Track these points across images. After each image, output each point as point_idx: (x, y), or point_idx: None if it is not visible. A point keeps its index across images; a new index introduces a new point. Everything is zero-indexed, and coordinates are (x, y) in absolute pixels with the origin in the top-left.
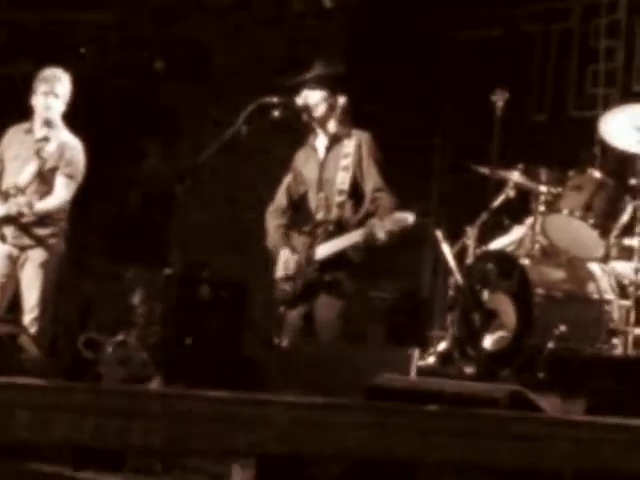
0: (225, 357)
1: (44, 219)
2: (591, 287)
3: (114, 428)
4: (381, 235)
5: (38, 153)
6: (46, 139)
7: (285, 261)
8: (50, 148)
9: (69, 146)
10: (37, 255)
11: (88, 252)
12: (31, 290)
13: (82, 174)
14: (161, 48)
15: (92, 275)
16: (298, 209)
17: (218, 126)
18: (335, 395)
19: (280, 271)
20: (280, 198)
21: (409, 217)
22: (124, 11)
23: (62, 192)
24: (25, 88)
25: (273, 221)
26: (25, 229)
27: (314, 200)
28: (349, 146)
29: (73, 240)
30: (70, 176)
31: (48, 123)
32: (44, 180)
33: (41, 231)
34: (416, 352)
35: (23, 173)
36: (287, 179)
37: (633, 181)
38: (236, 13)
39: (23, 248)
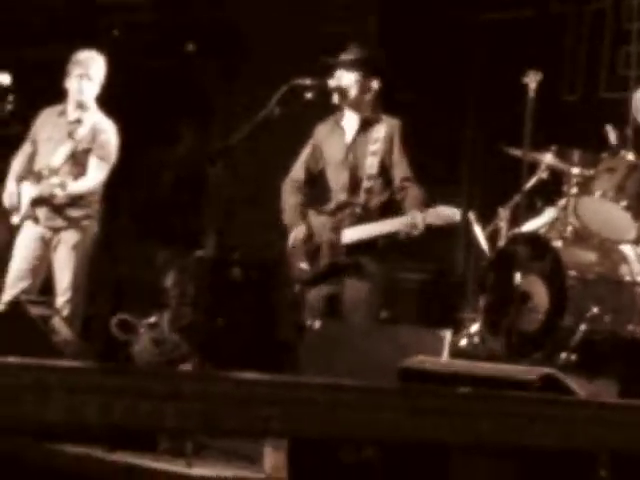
0: (257, 339)
1: (77, 201)
2: (624, 269)
3: (147, 410)
4: (422, 227)
5: (71, 135)
6: (79, 121)
7: (295, 236)
8: (83, 130)
9: (102, 128)
10: (70, 237)
11: (120, 234)
12: (64, 272)
13: (115, 156)
14: (193, 30)
15: (124, 257)
16: (314, 185)
17: (250, 108)
18: (367, 378)
19: (290, 242)
20: (298, 171)
21: (456, 214)
22: None
23: (95, 174)
24: (59, 71)
25: (291, 198)
26: (58, 211)
27: (336, 179)
28: (380, 131)
29: (106, 222)
30: (103, 158)
31: (81, 105)
32: (77, 162)
33: (74, 213)
34: (448, 334)
35: (56, 155)
36: (306, 151)
37: None
38: None
39: (56, 230)
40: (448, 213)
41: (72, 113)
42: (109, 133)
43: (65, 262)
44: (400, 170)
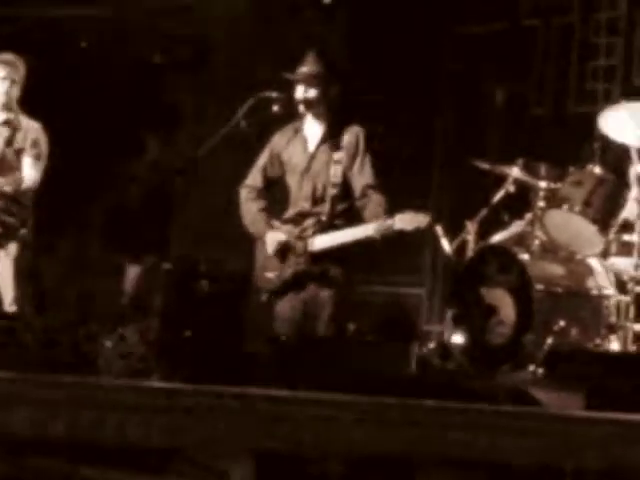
0: (224, 351)
1: (10, 206)
2: (590, 283)
3: (113, 423)
4: (391, 232)
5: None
6: (7, 123)
7: (273, 242)
8: (13, 131)
9: (32, 127)
10: (10, 249)
11: (88, 246)
12: (8, 285)
13: (46, 156)
14: (160, 42)
15: (92, 269)
16: (270, 192)
17: (217, 120)
18: (335, 390)
19: (270, 248)
20: (255, 177)
21: (425, 219)
22: (124, 5)
23: (31, 172)
24: (26, 82)
25: (252, 204)
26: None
27: (298, 188)
28: (343, 140)
29: (73, 234)
30: (37, 157)
31: (7, 107)
32: (8, 164)
33: (9, 220)
34: (415, 347)
35: None
36: (263, 159)
37: (632, 177)
38: (235, 7)
39: None
40: (418, 219)
41: None
42: (39, 132)
43: (8, 274)
44: (363, 178)
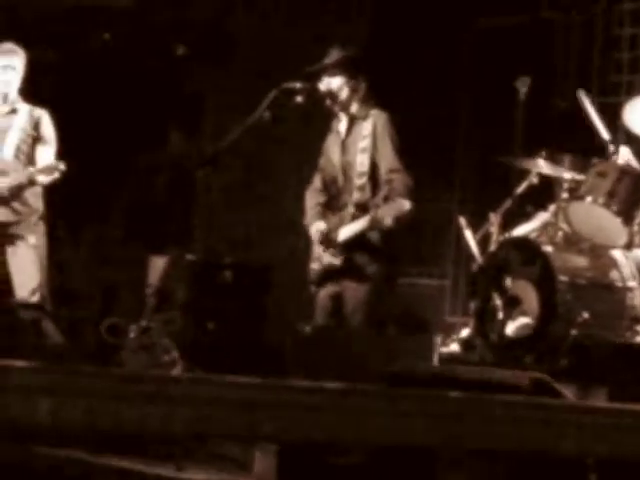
0: (247, 343)
1: (20, 194)
2: (614, 274)
3: (136, 413)
4: (387, 221)
5: (13, 125)
6: (14, 111)
7: (316, 231)
8: (23, 119)
9: (39, 114)
10: (26, 236)
11: (112, 238)
12: (26, 273)
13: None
14: (184, 33)
15: (115, 261)
16: (332, 192)
17: (241, 111)
18: (357, 382)
19: (315, 238)
20: (315, 180)
21: (405, 204)
22: None
23: (48, 158)
24: (46, 73)
25: (310, 200)
26: (6, 203)
27: (337, 180)
28: (367, 127)
29: (97, 226)
30: (49, 143)
31: (9, 96)
32: (23, 151)
33: (21, 207)
34: (438, 338)
35: (5, 147)
36: (320, 161)
37: None
38: None
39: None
40: (397, 206)
41: (2, 105)
42: (47, 118)
43: (28, 264)
44: (386, 162)
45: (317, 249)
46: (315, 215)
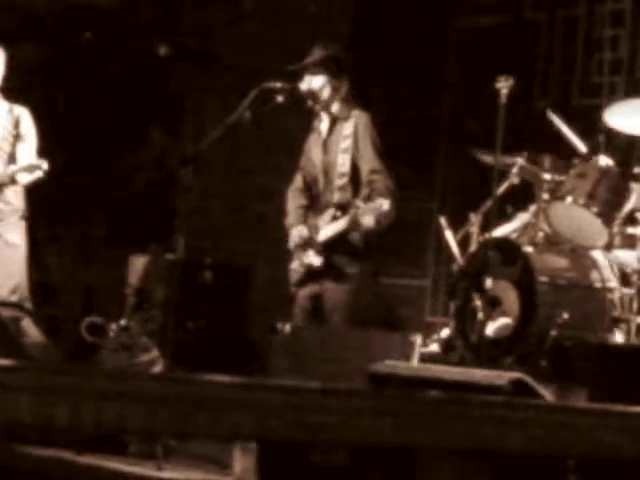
0: (228, 342)
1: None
2: (594, 275)
3: (115, 412)
4: (367, 221)
5: None
6: None
7: (293, 235)
8: (3, 118)
9: (20, 112)
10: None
11: (91, 237)
12: (6, 272)
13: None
14: (165, 33)
15: (95, 260)
16: (313, 192)
17: (222, 111)
18: (337, 381)
19: (290, 242)
20: (297, 179)
21: (385, 204)
22: None
23: (27, 158)
24: (28, 71)
25: (291, 202)
26: None
27: (322, 183)
28: (348, 127)
29: (77, 224)
30: (29, 141)
31: None
32: (3, 151)
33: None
34: (418, 339)
35: None
36: (301, 161)
37: (637, 169)
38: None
39: None
40: (376, 206)
41: None
42: (27, 115)
43: (7, 263)
44: (366, 163)
45: (297, 251)
46: (297, 217)
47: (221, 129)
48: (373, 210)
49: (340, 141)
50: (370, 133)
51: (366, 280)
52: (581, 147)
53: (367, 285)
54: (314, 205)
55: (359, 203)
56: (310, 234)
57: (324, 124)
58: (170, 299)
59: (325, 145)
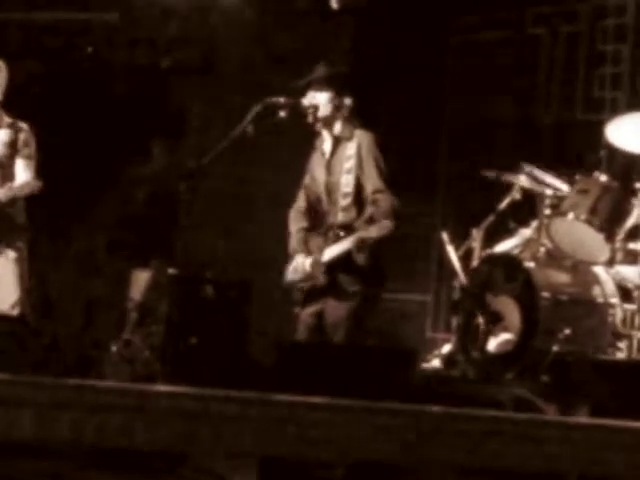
0: (229, 357)
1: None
2: (596, 291)
3: (118, 427)
4: (370, 241)
5: None
6: None
7: (294, 267)
8: (3, 134)
9: (20, 128)
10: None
11: (93, 251)
12: (6, 287)
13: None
14: (168, 48)
15: (97, 274)
16: (317, 211)
17: (224, 126)
18: (340, 396)
19: (289, 276)
20: (300, 200)
21: (389, 226)
22: (132, 10)
23: (26, 175)
24: (30, 86)
25: (294, 225)
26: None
27: (325, 203)
28: (351, 148)
29: (78, 239)
30: (29, 157)
31: None
32: (2, 166)
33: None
34: (420, 355)
35: None
36: (305, 181)
37: (639, 185)
38: (243, 13)
39: None
40: (381, 229)
41: None
42: (28, 132)
43: (8, 278)
44: (370, 183)
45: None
46: (299, 241)
47: (223, 144)
48: (377, 232)
49: (344, 161)
50: (373, 153)
51: (368, 299)
52: (563, 188)
53: (368, 304)
54: (318, 225)
55: (362, 224)
56: (313, 271)
57: (327, 144)
58: (172, 314)
59: (329, 166)
